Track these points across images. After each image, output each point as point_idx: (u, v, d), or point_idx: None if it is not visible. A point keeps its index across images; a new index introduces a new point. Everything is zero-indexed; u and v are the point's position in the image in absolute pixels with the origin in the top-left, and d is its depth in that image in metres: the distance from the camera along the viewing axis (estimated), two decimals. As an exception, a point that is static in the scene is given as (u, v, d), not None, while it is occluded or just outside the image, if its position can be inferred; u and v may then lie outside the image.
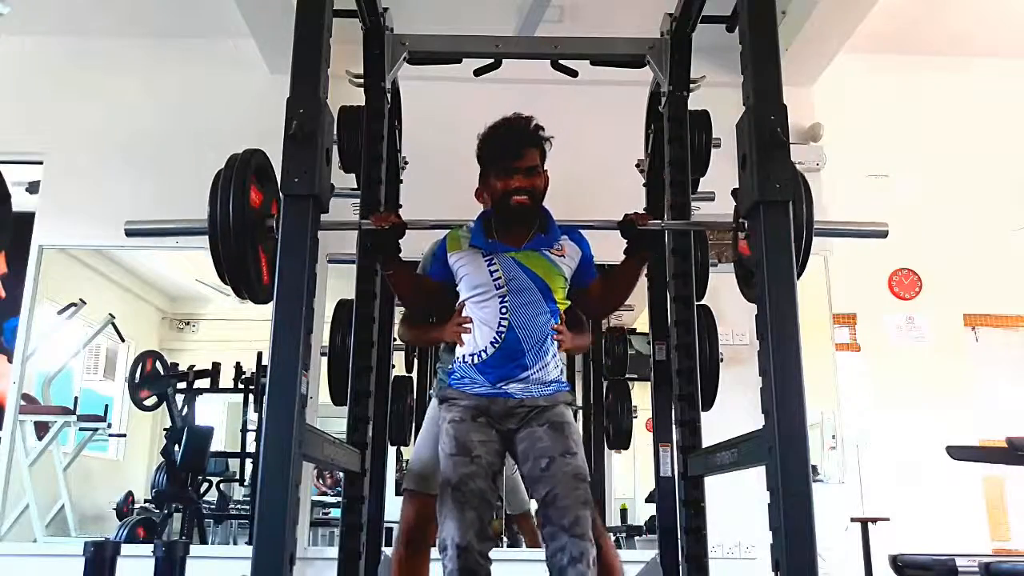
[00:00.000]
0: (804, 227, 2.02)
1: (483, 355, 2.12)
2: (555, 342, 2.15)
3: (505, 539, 4.12)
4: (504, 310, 2.11)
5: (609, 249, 2.38)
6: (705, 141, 2.77)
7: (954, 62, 5.00)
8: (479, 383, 2.12)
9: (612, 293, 2.31)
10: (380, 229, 2.11)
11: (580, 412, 4.41)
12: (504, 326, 2.10)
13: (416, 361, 4.23)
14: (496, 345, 2.10)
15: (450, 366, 2.22)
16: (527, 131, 2.18)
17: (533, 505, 2.37)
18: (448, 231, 2.28)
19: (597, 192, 4.15)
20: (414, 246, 2.55)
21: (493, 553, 2.00)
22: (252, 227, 1.89)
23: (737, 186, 1.88)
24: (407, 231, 2.15)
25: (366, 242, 2.39)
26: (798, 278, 1.97)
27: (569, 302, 2.24)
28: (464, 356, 2.16)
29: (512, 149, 2.16)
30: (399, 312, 2.71)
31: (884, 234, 2.23)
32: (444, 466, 2.05)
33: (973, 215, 5.16)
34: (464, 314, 2.18)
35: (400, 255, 2.20)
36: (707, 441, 2.33)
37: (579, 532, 1.93)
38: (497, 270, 2.14)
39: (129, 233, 2.15)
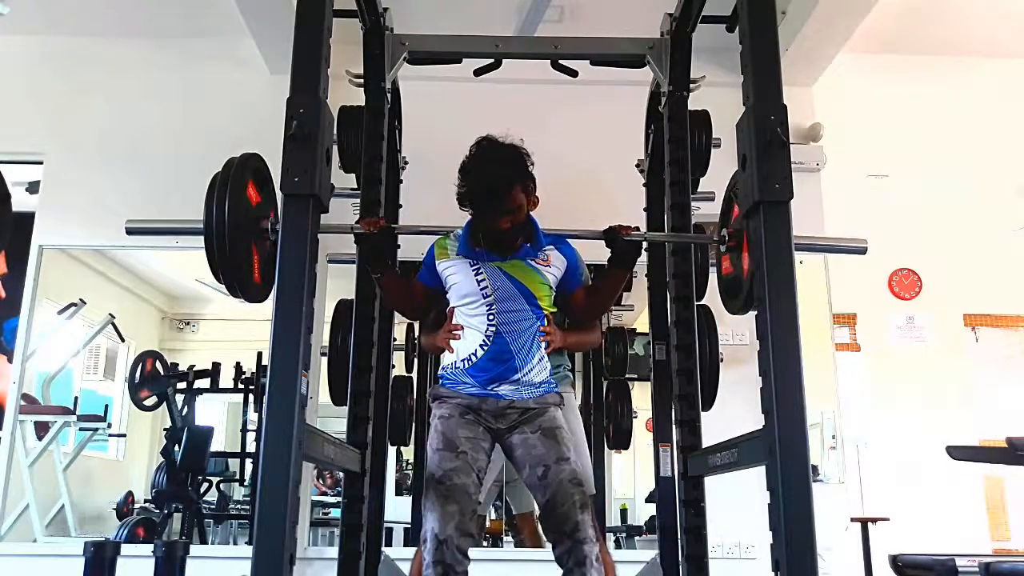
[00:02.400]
0: None
1: (472, 359, 2.16)
2: (542, 344, 2.19)
3: (507, 538, 4.11)
4: (491, 316, 2.15)
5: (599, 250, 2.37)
6: (705, 141, 2.77)
7: (954, 62, 5.00)
8: (469, 384, 2.16)
9: (595, 301, 2.36)
10: (368, 233, 2.13)
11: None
12: (492, 331, 2.14)
13: (416, 361, 4.24)
14: (485, 348, 2.14)
15: (440, 371, 2.25)
16: (505, 175, 2.10)
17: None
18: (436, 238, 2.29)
19: (596, 192, 4.17)
20: (414, 247, 2.56)
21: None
22: (246, 227, 1.90)
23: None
24: (404, 235, 2.15)
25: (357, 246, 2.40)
26: None
27: (555, 308, 2.27)
28: (455, 361, 2.19)
29: (492, 203, 2.11)
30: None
31: (863, 251, 2.23)
32: (430, 460, 2.09)
33: (973, 215, 5.16)
34: (454, 320, 2.21)
35: (390, 261, 2.22)
36: (707, 441, 2.33)
37: (580, 537, 2.00)
38: (484, 279, 2.18)
39: (130, 232, 2.20)
